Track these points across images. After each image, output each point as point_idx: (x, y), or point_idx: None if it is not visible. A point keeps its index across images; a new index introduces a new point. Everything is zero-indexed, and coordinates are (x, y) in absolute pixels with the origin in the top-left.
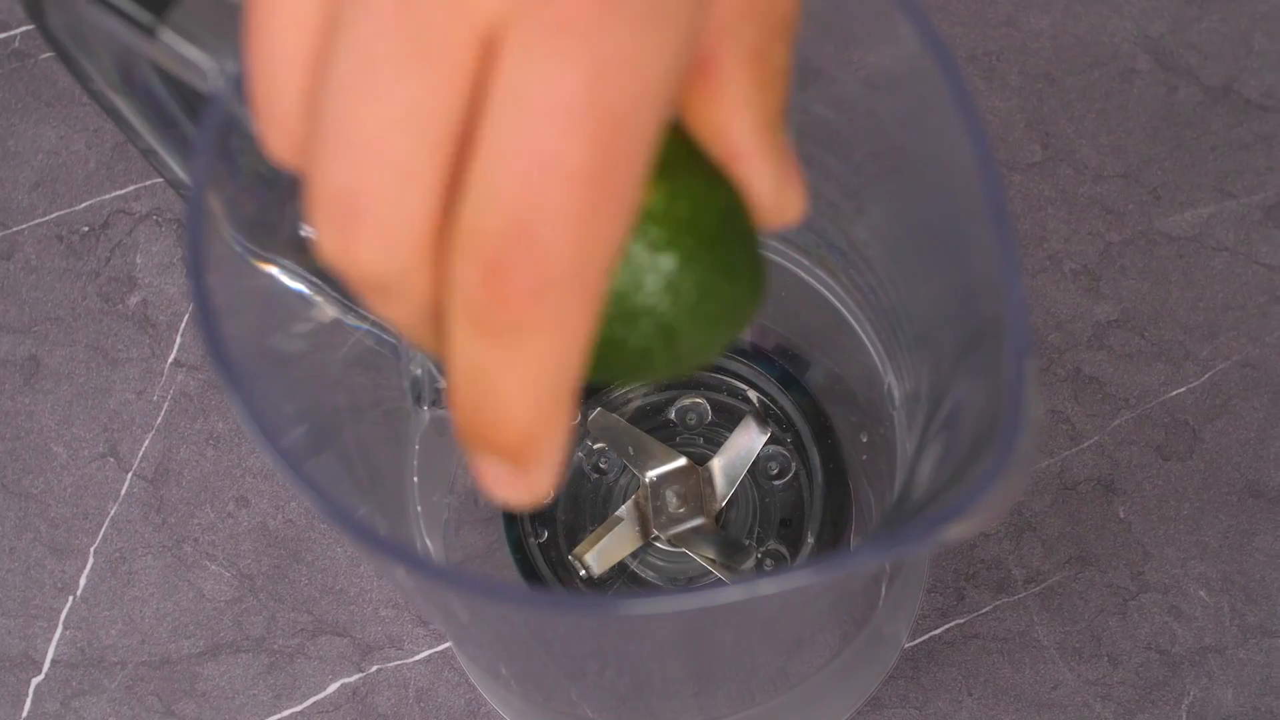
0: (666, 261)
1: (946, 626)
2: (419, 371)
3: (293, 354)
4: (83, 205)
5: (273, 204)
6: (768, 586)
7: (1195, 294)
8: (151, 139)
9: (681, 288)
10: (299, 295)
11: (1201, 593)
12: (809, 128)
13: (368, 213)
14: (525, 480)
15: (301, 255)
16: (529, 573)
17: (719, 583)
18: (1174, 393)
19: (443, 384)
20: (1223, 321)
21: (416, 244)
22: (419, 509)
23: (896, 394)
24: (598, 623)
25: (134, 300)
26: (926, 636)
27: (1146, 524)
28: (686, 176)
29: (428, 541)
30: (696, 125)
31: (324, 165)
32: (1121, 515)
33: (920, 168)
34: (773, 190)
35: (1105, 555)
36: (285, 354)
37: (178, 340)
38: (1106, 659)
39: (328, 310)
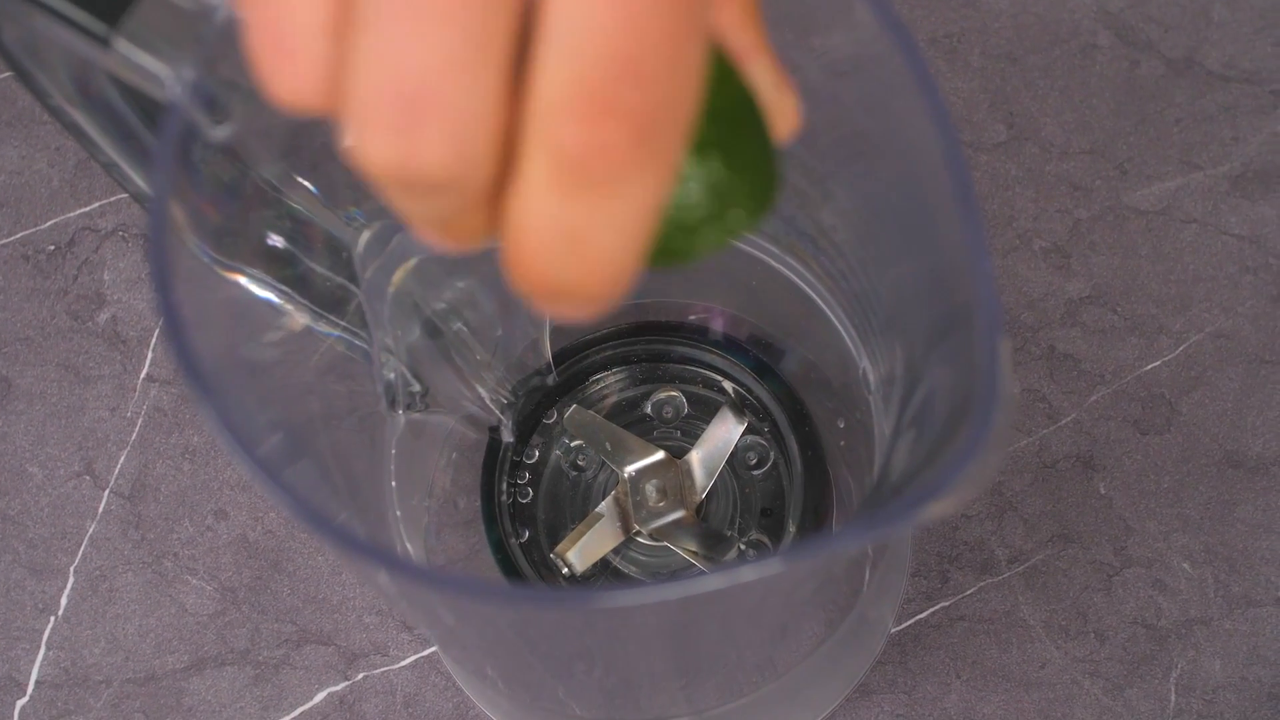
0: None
1: (932, 610)
2: (392, 376)
3: (264, 363)
4: (48, 224)
5: (238, 212)
6: (749, 573)
7: (1166, 267)
8: (112, 152)
9: (696, 168)
10: (268, 304)
11: (1185, 565)
12: None
13: (437, 103)
14: (599, 308)
15: (269, 264)
16: (511, 574)
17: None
18: (1149, 366)
19: (416, 387)
20: (1194, 293)
21: (492, 129)
22: (398, 514)
23: (871, 378)
24: (582, 618)
25: (103, 317)
26: (912, 620)
27: (1127, 499)
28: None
29: (408, 546)
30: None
31: (376, 58)
32: (1102, 491)
33: (885, 151)
34: (772, 90)
35: (1087, 532)
36: (257, 364)
37: (149, 355)
38: (1093, 635)
39: (298, 318)
